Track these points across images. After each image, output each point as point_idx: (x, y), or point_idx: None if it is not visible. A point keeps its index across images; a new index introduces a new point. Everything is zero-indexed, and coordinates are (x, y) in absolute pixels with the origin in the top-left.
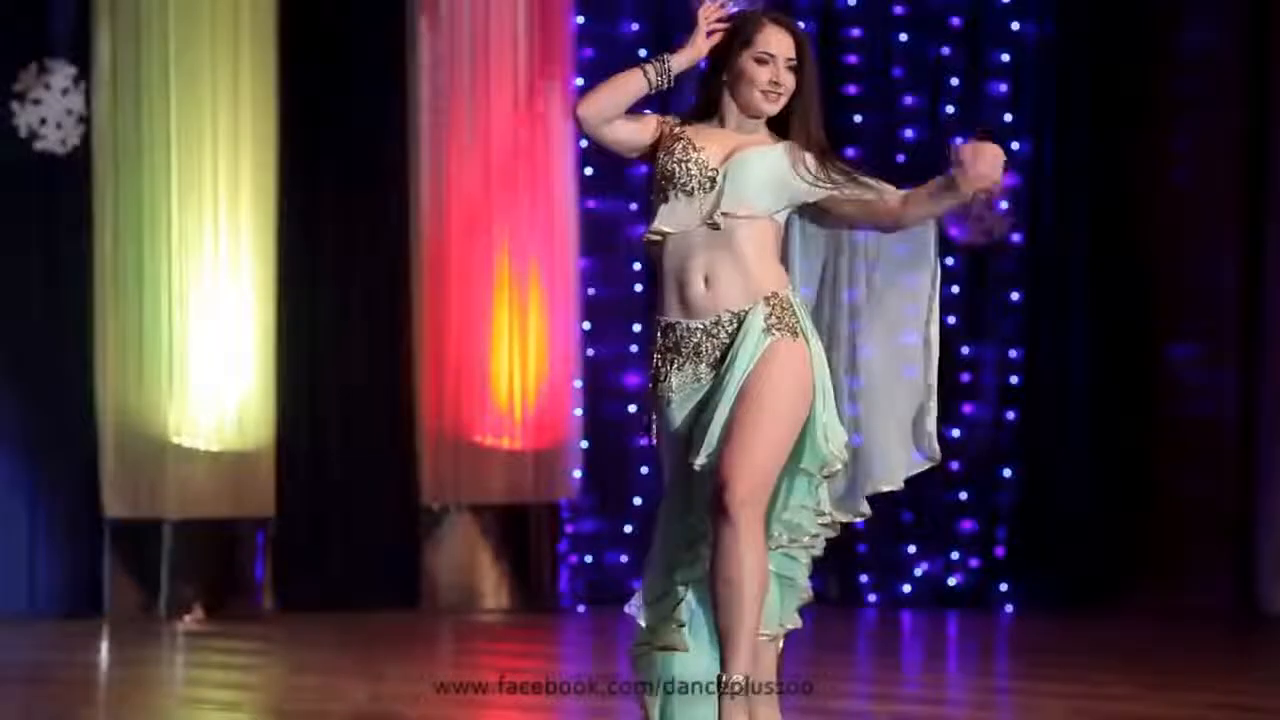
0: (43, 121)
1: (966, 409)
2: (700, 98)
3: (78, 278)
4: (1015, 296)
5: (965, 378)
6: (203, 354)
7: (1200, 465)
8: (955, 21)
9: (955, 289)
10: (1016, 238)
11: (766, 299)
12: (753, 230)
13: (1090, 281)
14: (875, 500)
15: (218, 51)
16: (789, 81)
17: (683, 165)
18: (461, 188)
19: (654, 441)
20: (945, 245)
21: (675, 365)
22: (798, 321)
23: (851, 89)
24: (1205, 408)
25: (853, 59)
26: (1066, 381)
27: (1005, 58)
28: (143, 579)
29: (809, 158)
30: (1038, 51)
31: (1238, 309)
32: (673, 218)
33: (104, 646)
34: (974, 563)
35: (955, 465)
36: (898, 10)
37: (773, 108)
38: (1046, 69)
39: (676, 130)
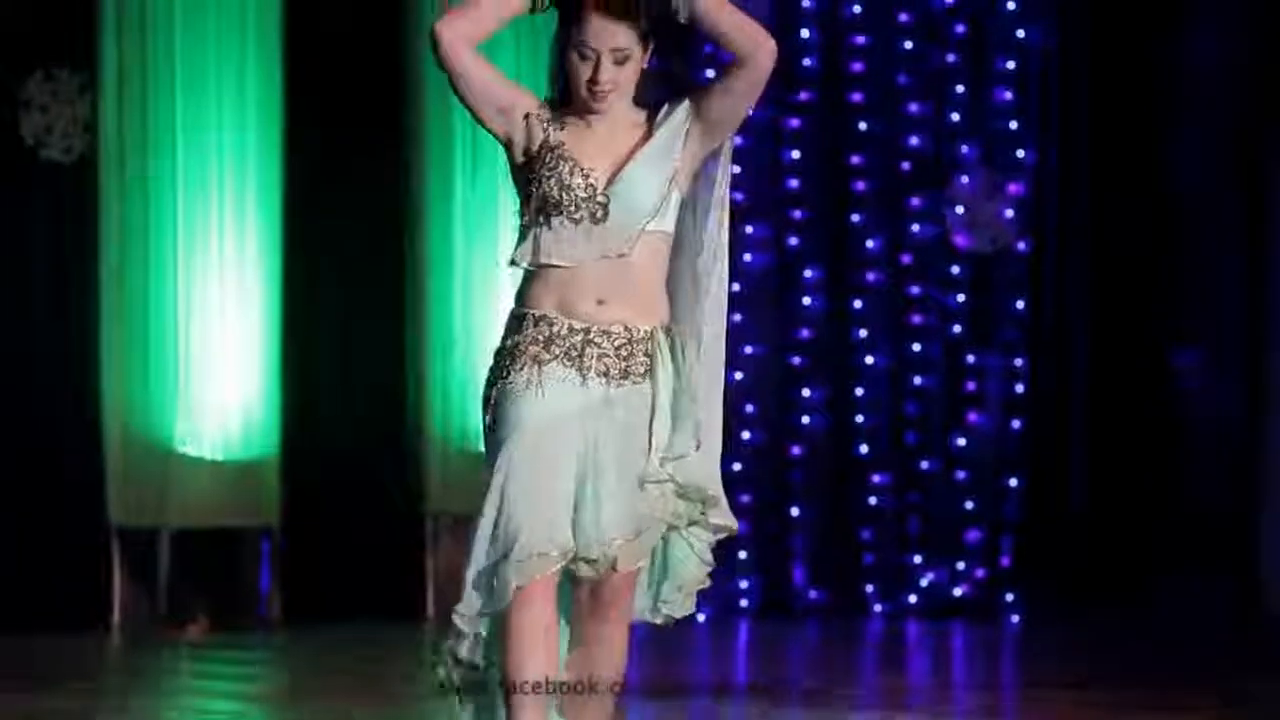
0: (48, 129)
1: (971, 418)
2: (560, 73)
3: (82, 286)
4: (1020, 304)
5: (970, 386)
6: (208, 362)
7: (1205, 471)
8: (960, 29)
9: (960, 297)
10: (1021, 245)
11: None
12: (650, 248)
13: (1095, 288)
14: (881, 510)
15: (223, 59)
16: (619, 77)
17: (568, 192)
18: (464, 189)
19: None
20: (950, 253)
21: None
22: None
23: (856, 96)
24: (1209, 413)
25: (858, 66)
26: (1071, 389)
27: (1010, 65)
28: (147, 588)
29: (679, 112)
30: (1042, 59)
31: (1241, 315)
32: (560, 248)
33: (108, 656)
34: (980, 573)
35: (961, 474)
36: (903, 18)
37: (601, 106)
38: (1051, 76)
39: (550, 132)
